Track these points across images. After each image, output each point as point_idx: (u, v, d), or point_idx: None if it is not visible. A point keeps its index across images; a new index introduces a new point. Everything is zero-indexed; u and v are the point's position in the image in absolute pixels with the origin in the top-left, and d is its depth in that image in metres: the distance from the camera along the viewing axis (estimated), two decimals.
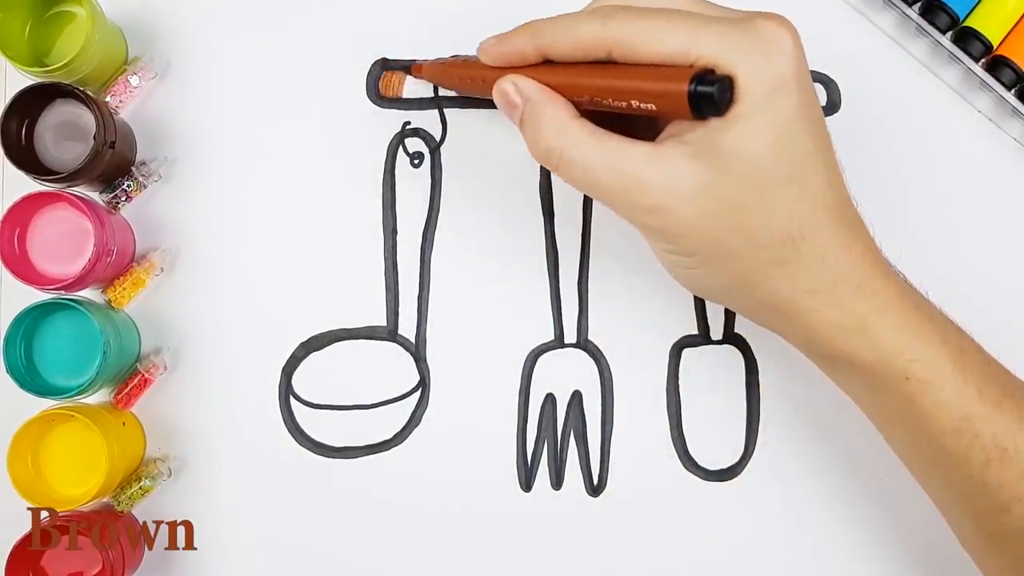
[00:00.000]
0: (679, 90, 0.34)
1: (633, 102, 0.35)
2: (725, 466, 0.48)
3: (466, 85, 0.44)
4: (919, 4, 0.48)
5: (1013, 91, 0.47)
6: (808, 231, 0.36)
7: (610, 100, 0.36)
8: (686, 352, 0.48)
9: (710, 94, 0.33)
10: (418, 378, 0.47)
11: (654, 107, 0.35)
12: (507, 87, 0.39)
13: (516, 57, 0.39)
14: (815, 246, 0.36)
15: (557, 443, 0.47)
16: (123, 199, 0.47)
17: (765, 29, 0.35)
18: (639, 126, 0.38)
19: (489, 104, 0.47)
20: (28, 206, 0.44)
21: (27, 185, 0.44)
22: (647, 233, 0.38)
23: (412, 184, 0.48)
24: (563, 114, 0.37)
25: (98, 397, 0.47)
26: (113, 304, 0.47)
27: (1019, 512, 0.37)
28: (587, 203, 0.48)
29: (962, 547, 0.41)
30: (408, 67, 0.48)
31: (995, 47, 0.47)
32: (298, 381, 0.47)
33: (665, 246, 0.38)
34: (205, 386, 0.47)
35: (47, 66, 0.43)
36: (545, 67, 0.39)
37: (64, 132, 0.45)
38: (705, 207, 0.35)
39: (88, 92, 0.43)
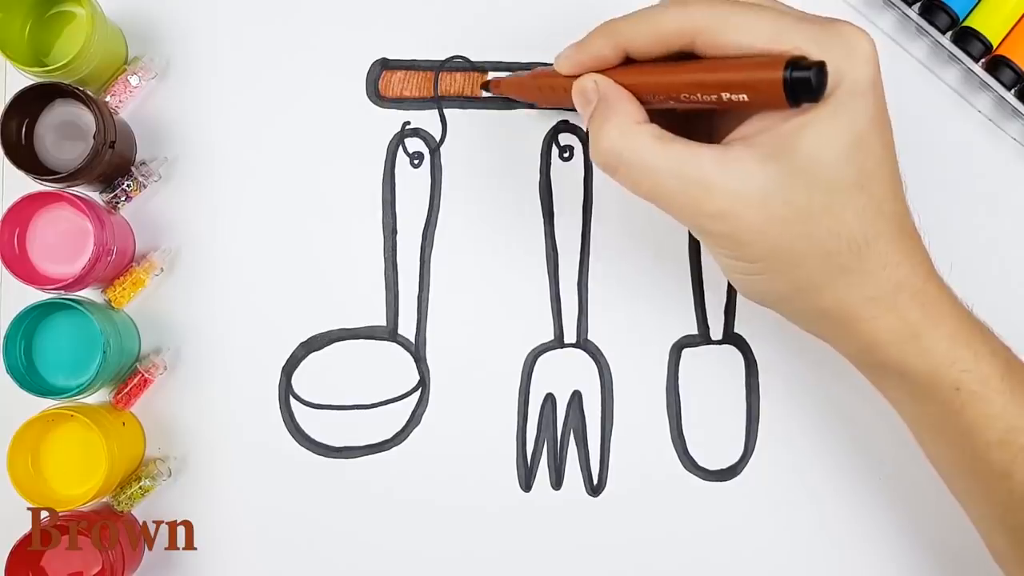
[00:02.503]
0: (774, 77, 0.33)
1: (723, 95, 0.34)
2: (725, 466, 0.48)
3: (546, 95, 0.44)
4: (919, 4, 0.48)
5: (1013, 91, 0.47)
6: (872, 238, 0.36)
7: (698, 95, 0.35)
8: (686, 352, 0.48)
9: (807, 79, 0.33)
10: (418, 378, 0.47)
11: (746, 97, 0.34)
12: (588, 84, 0.38)
13: (596, 61, 0.39)
14: (878, 254, 0.36)
15: (557, 443, 0.47)
16: (123, 199, 0.47)
17: (847, 33, 0.35)
18: (699, 134, 0.37)
19: (490, 104, 0.48)
20: (28, 206, 0.44)
21: (27, 185, 0.44)
22: (710, 239, 0.38)
23: (412, 184, 0.48)
24: (630, 117, 0.37)
25: (98, 397, 0.47)
26: (113, 304, 0.47)
27: None
28: (587, 203, 0.48)
29: (994, 560, 0.41)
30: (426, 68, 0.48)
31: (995, 47, 0.47)
32: (298, 381, 0.47)
33: (728, 252, 0.37)
34: (205, 386, 0.47)
35: (47, 66, 0.43)
36: (628, 68, 0.38)
37: (64, 132, 0.45)
38: (774, 212, 0.35)
39: (88, 92, 0.43)
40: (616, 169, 0.37)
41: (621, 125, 0.37)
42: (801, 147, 0.34)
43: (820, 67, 0.33)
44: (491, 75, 0.48)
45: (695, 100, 0.36)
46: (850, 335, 0.38)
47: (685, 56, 0.37)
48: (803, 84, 0.33)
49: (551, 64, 0.48)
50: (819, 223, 0.35)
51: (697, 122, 0.39)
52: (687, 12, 0.36)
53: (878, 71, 0.35)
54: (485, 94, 0.48)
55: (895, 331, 0.37)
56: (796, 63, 0.33)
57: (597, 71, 0.39)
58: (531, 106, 0.48)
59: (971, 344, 0.37)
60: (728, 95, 0.34)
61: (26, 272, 0.44)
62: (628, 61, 0.38)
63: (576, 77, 0.39)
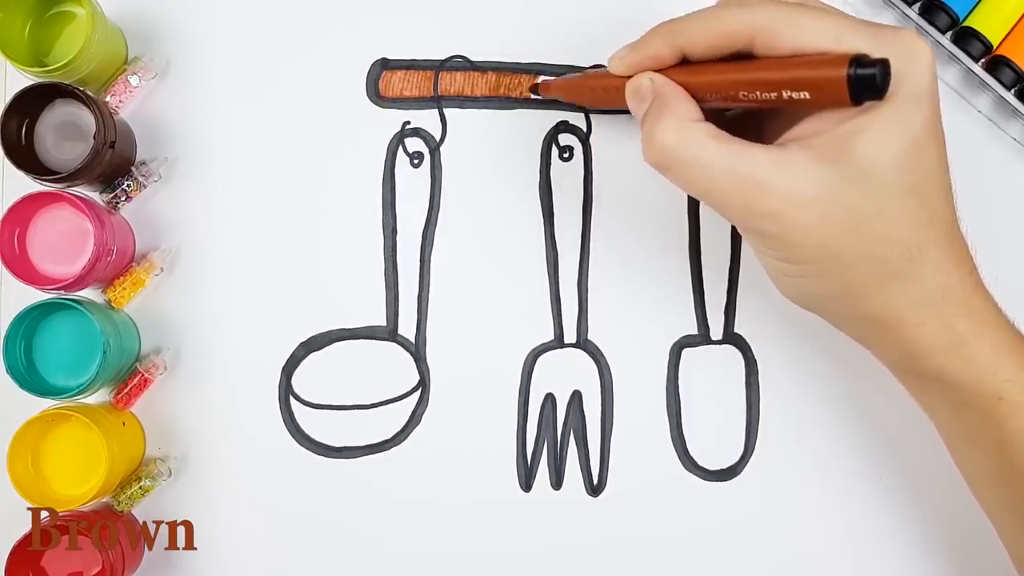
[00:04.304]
0: (838, 75, 0.33)
1: (784, 93, 0.34)
2: (725, 466, 0.48)
3: (598, 97, 0.44)
4: (919, 4, 0.48)
5: (1013, 91, 0.47)
6: (924, 245, 0.36)
7: (757, 93, 0.35)
8: (686, 352, 0.48)
9: (871, 76, 0.33)
10: (418, 378, 0.47)
11: (807, 95, 0.34)
12: (643, 82, 0.38)
13: (652, 61, 0.38)
14: (929, 261, 0.36)
15: (557, 443, 0.47)
16: (123, 199, 0.47)
17: (907, 38, 0.35)
18: (747, 135, 0.37)
19: (490, 104, 0.48)
20: (28, 206, 0.44)
21: (27, 185, 0.44)
22: (761, 239, 0.37)
23: (412, 184, 0.48)
24: (686, 115, 0.37)
25: (98, 397, 0.47)
26: (113, 304, 0.47)
27: None
28: (587, 203, 0.48)
29: (1015, 568, 0.41)
30: (409, 68, 0.48)
31: (995, 47, 0.47)
32: (298, 381, 0.47)
33: (777, 253, 0.37)
34: (205, 386, 0.47)
35: (47, 66, 0.43)
36: (684, 67, 0.38)
37: (64, 132, 0.45)
38: (828, 214, 0.35)
39: (88, 92, 0.43)
40: (669, 167, 0.37)
41: (677, 122, 0.36)
42: (858, 151, 0.34)
43: (884, 64, 0.33)
44: (541, 78, 0.48)
45: (753, 99, 0.36)
46: (893, 341, 0.38)
47: (741, 58, 0.37)
48: (867, 81, 0.33)
49: (550, 63, 0.48)
50: (873, 227, 0.35)
51: (745, 124, 0.39)
52: (748, 12, 0.36)
53: (935, 78, 0.35)
54: (534, 97, 0.48)
55: (940, 338, 0.37)
56: (859, 60, 0.33)
57: (652, 71, 0.39)
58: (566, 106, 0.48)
59: (1013, 354, 0.37)
60: (789, 93, 0.34)
61: (26, 272, 0.44)
62: (683, 62, 0.38)
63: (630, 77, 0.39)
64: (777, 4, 0.36)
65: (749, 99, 0.36)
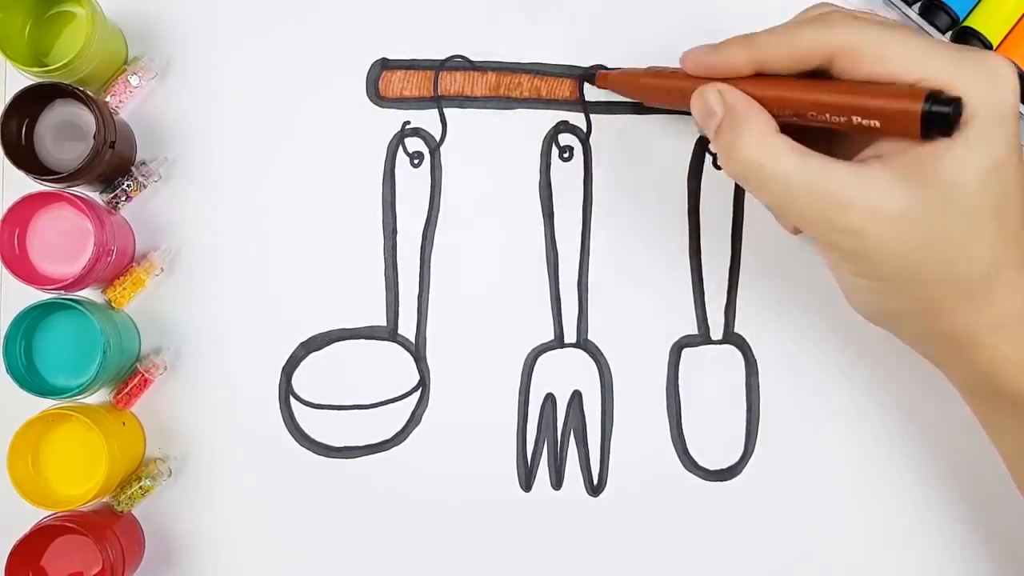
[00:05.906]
0: (912, 109, 0.33)
1: (854, 118, 0.35)
2: (725, 466, 0.48)
3: (659, 96, 0.43)
4: (919, 4, 0.48)
5: None
6: (1004, 266, 0.36)
7: (827, 115, 0.35)
8: (686, 352, 0.48)
9: (945, 114, 0.33)
10: (418, 378, 0.47)
11: (878, 124, 0.34)
12: (711, 96, 0.38)
13: (727, 68, 0.38)
14: (1008, 282, 0.36)
15: (557, 443, 0.47)
16: (123, 199, 0.47)
17: (992, 61, 0.35)
18: (816, 146, 0.37)
19: (490, 104, 0.48)
20: (28, 206, 0.44)
21: (27, 185, 0.44)
22: (839, 254, 0.37)
23: (412, 184, 0.48)
24: (766, 128, 0.37)
25: (98, 397, 0.47)
26: (113, 304, 0.47)
27: None
28: (587, 203, 0.48)
29: None
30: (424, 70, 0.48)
31: (995, 47, 0.47)
32: (298, 381, 0.47)
33: (855, 269, 0.37)
34: (205, 386, 0.47)
35: (47, 66, 0.43)
36: (756, 79, 0.38)
37: (64, 132, 0.45)
38: (908, 232, 0.35)
39: (88, 92, 0.43)
40: (749, 180, 0.37)
41: (759, 137, 0.36)
42: (942, 171, 0.34)
43: (957, 104, 0.33)
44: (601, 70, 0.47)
45: (822, 120, 0.36)
46: (968, 361, 0.38)
47: (817, 75, 0.36)
48: (940, 118, 0.33)
49: (550, 63, 0.48)
50: (954, 247, 0.35)
51: (816, 133, 0.38)
52: (829, 31, 0.36)
53: (1018, 102, 0.35)
54: (591, 87, 0.47)
55: (1016, 360, 0.37)
56: (935, 97, 0.33)
57: (722, 79, 0.39)
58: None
59: None
60: (859, 119, 0.34)
61: (26, 272, 0.44)
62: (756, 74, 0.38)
63: (698, 80, 0.39)
64: (859, 23, 0.36)
65: (818, 119, 0.36)
